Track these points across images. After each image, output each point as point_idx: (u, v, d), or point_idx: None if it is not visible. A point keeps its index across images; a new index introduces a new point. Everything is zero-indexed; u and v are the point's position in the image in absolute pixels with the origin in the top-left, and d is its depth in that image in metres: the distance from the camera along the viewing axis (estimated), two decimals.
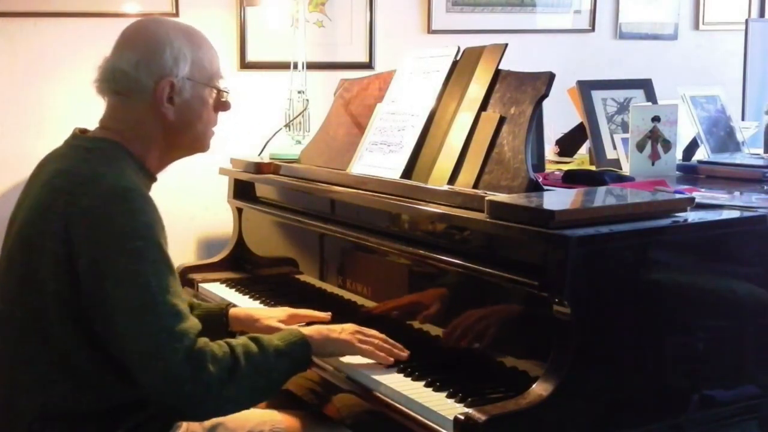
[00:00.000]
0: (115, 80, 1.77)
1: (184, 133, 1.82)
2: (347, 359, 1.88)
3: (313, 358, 1.83)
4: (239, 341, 1.69)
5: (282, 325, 2.05)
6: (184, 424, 1.82)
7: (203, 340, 1.63)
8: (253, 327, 2.07)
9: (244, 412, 1.91)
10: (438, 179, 2.02)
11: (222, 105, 1.88)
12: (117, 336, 1.61)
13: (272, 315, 2.10)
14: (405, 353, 1.85)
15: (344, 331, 1.86)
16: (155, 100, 1.76)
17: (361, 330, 1.88)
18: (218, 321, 2.09)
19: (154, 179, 1.84)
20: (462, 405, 1.62)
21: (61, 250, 1.62)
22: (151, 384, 1.60)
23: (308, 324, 2.09)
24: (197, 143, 1.87)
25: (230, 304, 2.16)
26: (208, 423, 1.84)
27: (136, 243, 1.61)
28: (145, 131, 1.78)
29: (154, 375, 1.58)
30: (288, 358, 1.73)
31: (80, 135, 1.81)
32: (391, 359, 1.83)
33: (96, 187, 1.64)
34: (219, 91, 1.86)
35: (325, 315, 2.10)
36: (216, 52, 1.88)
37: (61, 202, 1.64)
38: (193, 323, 1.64)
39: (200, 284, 2.63)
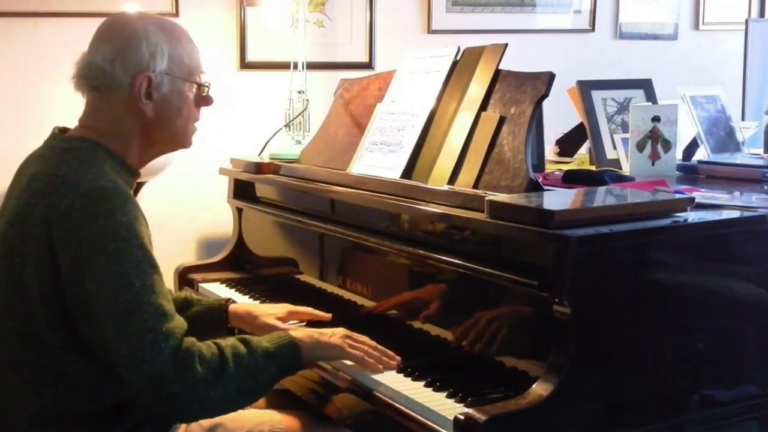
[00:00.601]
0: (91, 76, 1.74)
1: (164, 128, 1.79)
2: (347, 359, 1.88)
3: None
4: (228, 342, 1.67)
5: (280, 323, 2.04)
6: (183, 425, 1.82)
7: (190, 340, 1.61)
8: (253, 323, 2.05)
9: (244, 412, 1.91)
10: (438, 179, 2.02)
11: (204, 100, 1.84)
12: (102, 337, 1.59)
13: (271, 311, 2.08)
14: (395, 361, 1.83)
15: (335, 335, 1.83)
16: (132, 96, 1.73)
17: (351, 335, 1.85)
18: (218, 317, 2.08)
19: (137, 175, 1.81)
20: (462, 405, 1.62)
21: (44, 254, 1.61)
22: (137, 385, 1.56)
23: (308, 321, 2.10)
24: (178, 139, 1.83)
25: (229, 300, 2.14)
26: (207, 423, 1.83)
27: (118, 243, 1.58)
28: (124, 127, 1.76)
29: (140, 376, 1.55)
30: (277, 361, 1.70)
31: (59, 135, 1.79)
32: (380, 366, 1.81)
33: (75, 188, 1.62)
34: (200, 86, 1.83)
35: (325, 314, 2.09)
36: (196, 47, 1.84)
37: (42, 206, 1.63)
38: (179, 323, 1.61)
39: (200, 284, 2.63)
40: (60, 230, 1.60)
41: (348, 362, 1.85)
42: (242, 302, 2.23)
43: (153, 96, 1.74)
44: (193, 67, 1.81)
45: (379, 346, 1.85)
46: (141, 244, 1.61)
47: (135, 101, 1.73)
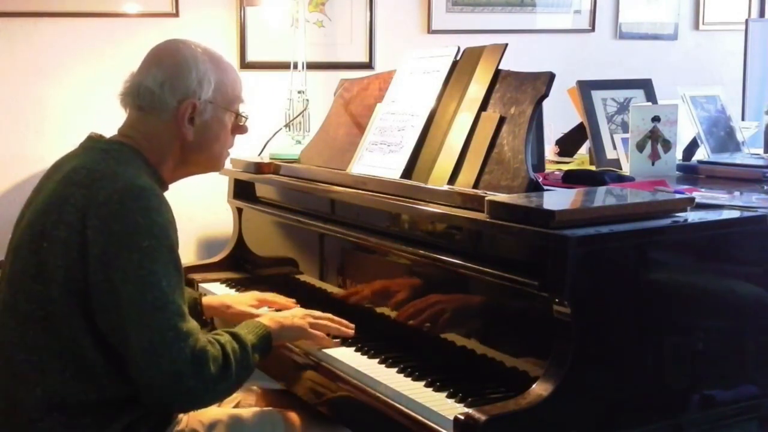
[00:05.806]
0: (140, 96, 1.83)
1: (200, 152, 1.88)
2: (347, 359, 1.89)
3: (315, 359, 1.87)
4: (225, 339, 1.75)
5: (254, 310, 2.17)
6: (184, 420, 1.84)
7: (204, 340, 1.68)
8: (227, 313, 2.18)
9: (245, 411, 1.97)
10: (438, 179, 2.02)
11: (239, 129, 1.96)
12: (121, 329, 1.64)
13: (243, 300, 2.22)
14: (351, 330, 2.01)
15: (295, 316, 1.99)
16: (176, 119, 1.82)
17: (310, 313, 2.02)
18: (193, 310, 2.13)
19: (166, 187, 1.88)
20: (462, 405, 1.63)
21: (75, 240, 1.65)
22: (152, 378, 1.63)
23: (276, 308, 2.21)
24: (211, 163, 1.94)
25: (202, 293, 2.25)
26: (207, 420, 1.87)
27: (151, 242, 1.65)
28: (162, 146, 1.84)
29: (157, 370, 1.62)
30: (259, 351, 1.83)
31: (96, 138, 1.85)
32: (338, 341, 1.98)
33: (113, 183, 1.69)
34: (238, 115, 1.93)
35: (289, 300, 2.24)
36: (239, 78, 1.95)
37: (79, 195, 1.68)
38: (195, 324, 1.69)
39: (200, 284, 2.63)
40: (95, 219, 1.65)
41: (342, 358, 1.90)
42: (213, 294, 2.39)
43: (195, 121, 1.84)
44: (235, 97, 1.93)
45: (336, 318, 2.02)
46: (171, 246, 1.70)
47: (178, 125, 1.83)
